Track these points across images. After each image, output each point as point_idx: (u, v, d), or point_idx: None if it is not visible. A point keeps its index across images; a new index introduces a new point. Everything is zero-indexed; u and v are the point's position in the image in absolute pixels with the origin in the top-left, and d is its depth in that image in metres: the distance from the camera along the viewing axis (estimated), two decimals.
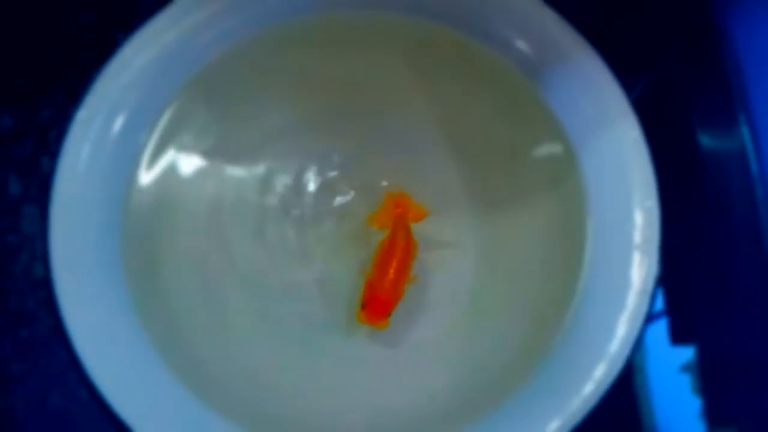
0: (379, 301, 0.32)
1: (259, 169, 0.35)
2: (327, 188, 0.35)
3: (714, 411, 0.33)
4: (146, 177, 0.34)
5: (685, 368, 0.34)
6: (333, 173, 0.35)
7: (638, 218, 0.34)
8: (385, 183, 0.35)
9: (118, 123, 0.33)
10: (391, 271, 0.32)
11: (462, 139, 0.36)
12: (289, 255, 0.35)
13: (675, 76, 0.35)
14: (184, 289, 0.34)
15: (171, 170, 0.34)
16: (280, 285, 0.34)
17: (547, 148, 0.36)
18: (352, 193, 0.35)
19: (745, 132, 0.34)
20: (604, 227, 0.34)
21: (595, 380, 0.32)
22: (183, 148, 0.35)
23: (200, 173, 0.35)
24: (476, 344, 0.34)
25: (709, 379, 0.33)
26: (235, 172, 0.35)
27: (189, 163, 0.35)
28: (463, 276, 0.35)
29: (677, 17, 0.35)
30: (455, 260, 0.35)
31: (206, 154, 0.35)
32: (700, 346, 0.34)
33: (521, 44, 0.35)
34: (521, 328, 0.34)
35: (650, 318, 0.33)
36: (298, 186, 0.35)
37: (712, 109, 0.35)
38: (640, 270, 0.33)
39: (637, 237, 0.33)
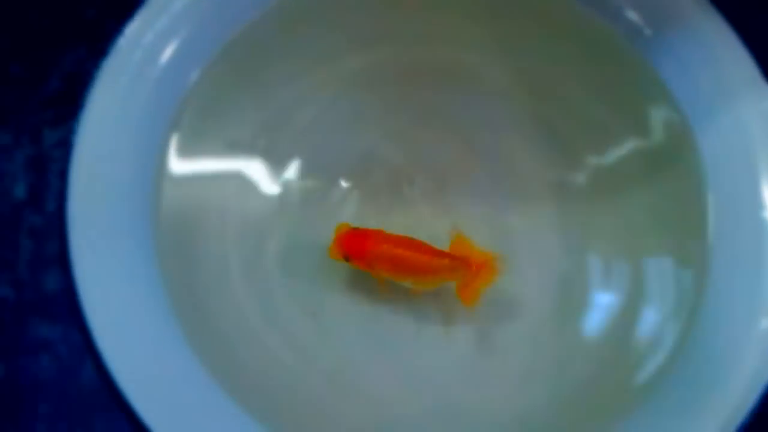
0: (360, 239, 0.28)
1: (314, 149, 0.30)
2: (387, 180, 0.31)
3: None
4: (189, 134, 0.29)
5: None
6: (394, 160, 0.31)
7: None
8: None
9: (165, 55, 0.28)
10: (399, 250, 0.28)
11: (552, 118, 0.31)
12: None
13: None
14: (223, 274, 0.28)
15: (220, 131, 0.29)
16: (338, 280, 0.29)
17: (658, 130, 0.31)
18: (419, 187, 0.31)
19: None
20: (730, 221, 0.29)
21: (722, 409, 0.26)
22: (236, 102, 0.30)
23: (251, 143, 0.30)
24: (570, 356, 0.29)
25: None
26: (290, 147, 0.30)
27: (243, 125, 0.30)
28: (552, 275, 0.30)
29: None
30: (543, 258, 0.30)
31: (261, 117, 0.30)
32: None
33: (631, 10, 0.30)
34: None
35: None
36: (354, 175, 0.30)
37: None
38: None
39: None
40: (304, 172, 0.30)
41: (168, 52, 0.28)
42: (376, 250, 0.28)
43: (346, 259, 0.28)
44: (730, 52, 0.29)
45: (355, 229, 0.28)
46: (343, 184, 0.30)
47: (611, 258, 0.30)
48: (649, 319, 0.29)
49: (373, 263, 0.28)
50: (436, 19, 0.31)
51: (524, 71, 0.31)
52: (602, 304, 0.29)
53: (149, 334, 0.26)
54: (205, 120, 0.29)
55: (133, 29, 0.28)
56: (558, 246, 0.30)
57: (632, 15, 0.31)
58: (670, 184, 0.30)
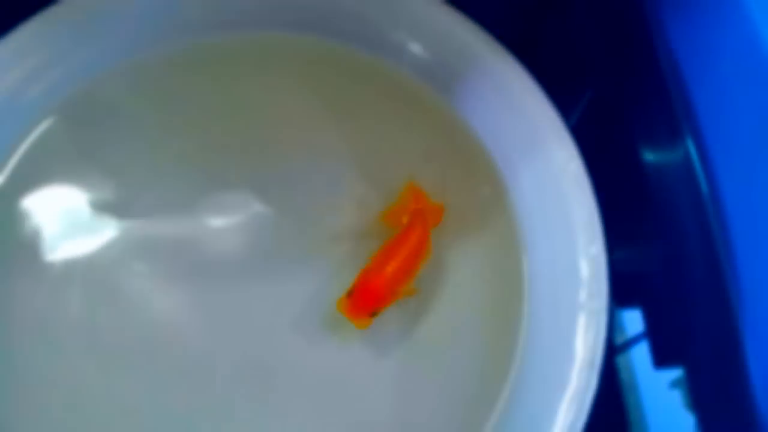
0: (368, 292, 0.27)
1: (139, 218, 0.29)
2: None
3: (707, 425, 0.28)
4: None
5: (676, 384, 0.29)
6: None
7: (583, 270, 0.27)
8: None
9: None
10: (394, 264, 0.27)
11: (374, 170, 0.30)
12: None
13: (612, 93, 0.29)
14: None
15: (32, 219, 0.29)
16: None
17: (471, 184, 0.30)
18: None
19: (690, 145, 0.27)
20: (543, 282, 0.28)
21: None
22: (47, 192, 0.29)
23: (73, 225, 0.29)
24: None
25: (699, 393, 0.28)
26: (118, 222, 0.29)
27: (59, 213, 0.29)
28: (385, 348, 0.29)
29: (608, 27, 0.30)
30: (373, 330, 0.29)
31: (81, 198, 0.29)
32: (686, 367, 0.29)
33: (418, 49, 0.30)
34: (448, 412, 0.28)
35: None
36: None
37: (654, 124, 0.29)
38: (587, 336, 0.26)
39: (582, 294, 0.27)
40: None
41: None
42: (385, 281, 0.27)
43: (374, 314, 0.27)
44: (535, 104, 0.28)
45: (356, 287, 0.27)
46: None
47: (436, 340, 0.29)
48: (462, 400, 0.28)
49: (393, 291, 0.27)
50: (256, 87, 0.31)
51: (343, 123, 0.31)
52: (425, 385, 0.28)
53: None
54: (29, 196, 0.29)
55: None
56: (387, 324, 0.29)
57: (422, 53, 0.30)
58: (484, 246, 0.29)
